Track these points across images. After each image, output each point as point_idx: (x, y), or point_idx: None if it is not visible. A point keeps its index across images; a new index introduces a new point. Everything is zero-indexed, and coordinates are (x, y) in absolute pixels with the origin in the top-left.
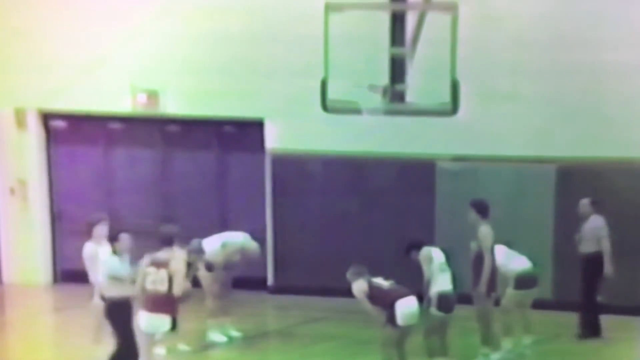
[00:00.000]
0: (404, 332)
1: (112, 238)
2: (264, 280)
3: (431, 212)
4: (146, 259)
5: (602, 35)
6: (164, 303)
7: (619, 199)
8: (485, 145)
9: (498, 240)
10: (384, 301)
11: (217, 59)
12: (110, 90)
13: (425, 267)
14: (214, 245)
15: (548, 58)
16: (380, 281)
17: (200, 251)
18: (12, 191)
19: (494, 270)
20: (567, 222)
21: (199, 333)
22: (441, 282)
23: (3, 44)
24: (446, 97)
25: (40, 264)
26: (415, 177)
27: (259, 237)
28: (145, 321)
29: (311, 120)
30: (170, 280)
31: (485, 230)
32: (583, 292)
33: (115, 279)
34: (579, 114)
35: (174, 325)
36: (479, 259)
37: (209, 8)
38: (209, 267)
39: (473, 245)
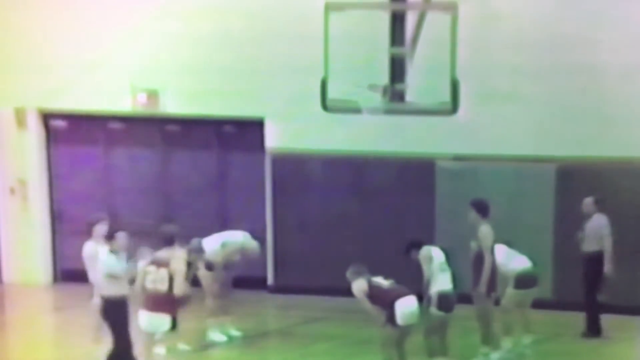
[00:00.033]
0: (404, 331)
1: (109, 237)
2: (264, 279)
3: (431, 212)
4: (142, 250)
5: (602, 36)
6: (164, 302)
7: (619, 199)
8: (485, 145)
9: (498, 239)
10: (384, 301)
11: (217, 59)
12: (110, 90)
13: (425, 267)
14: (213, 244)
15: (548, 58)
16: (380, 280)
17: (200, 250)
18: (12, 191)
19: (494, 269)
20: (567, 222)
21: (199, 332)
22: (441, 282)
23: (3, 44)
24: (446, 97)
25: (40, 264)
26: (415, 176)
27: (259, 237)
28: (145, 320)
29: (311, 119)
30: (171, 279)
31: (485, 230)
32: (585, 291)
33: (111, 276)
34: (579, 114)
35: (174, 325)
36: (479, 259)
37: (209, 8)
38: (209, 267)
39: (473, 245)
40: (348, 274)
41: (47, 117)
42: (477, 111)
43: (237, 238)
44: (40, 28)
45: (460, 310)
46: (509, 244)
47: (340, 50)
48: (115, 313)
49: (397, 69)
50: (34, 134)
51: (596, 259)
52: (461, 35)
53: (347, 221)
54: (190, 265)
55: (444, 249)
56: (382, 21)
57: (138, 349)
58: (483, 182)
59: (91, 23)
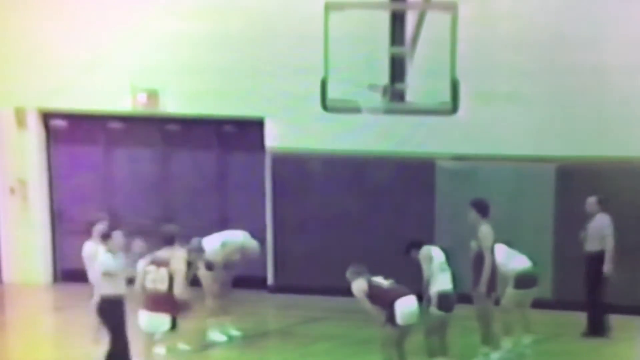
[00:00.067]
0: (404, 331)
1: (105, 236)
2: (264, 279)
3: (431, 212)
4: (136, 244)
5: (602, 35)
6: (164, 302)
7: (619, 199)
8: (485, 145)
9: (498, 239)
10: (384, 300)
11: (217, 59)
12: (110, 90)
13: (425, 267)
14: (213, 244)
15: (548, 58)
16: (379, 280)
17: (200, 250)
18: (12, 191)
19: (494, 269)
20: (567, 222)
21: (199, 332)
22: (441, 282)
23: (3, 44)
24: (446, 97)
25: (40, 264)
26: (415, 176)
27: (259, 237)
28: (145, 320)
29: (311, 119)
30: (171, 279)
31: (485, 230)
32: (586, 291)
33: (108, 275)
34: (579, 114)
35: (173, 325)
36: (479, 259)
37: (209, 8)
38: (209, 266)
39: (473, 245)
40: (348, 274)
41: (47, 117)
42: (477, 111)
43: (237, 238)
44: (40, 28)
45: (460, 310)
46: (509, 244)
47: (340, 50)
48: (111, 312)
49: (397, 69)
50: (34, 134)
51: (598, 258)
52: (461, 35)
53: (347, 221)
54: (190, 265)
55: (444, 249)
56: (382, 21)
57: (136, 348)
58: (483, 182)
59: (91, 23)
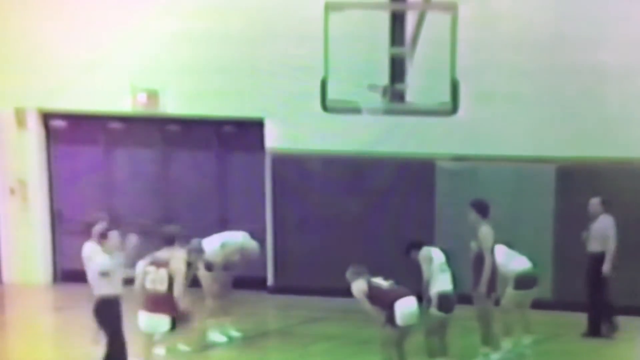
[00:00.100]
0: (404, 332)
1: (102, 236)
2: (264, 280)
3: (431, 212)
4: (130, 238)
5: (602, 36)
6: (164, 303)
7: (619, 199)
8: (485, 145)
9: (498, 240)
10: (384, 301)
11: (217, 59)
12: (110, 90)
13: (424, 267)
14: (213, 245)
15: (548, 58)
16: (379, 281)
17: (200, 251)
18: (12, 191)
19: (494, 270)
20: (567, 222)
21: (199, 333)
22: (441, 282)
23: (3, 44)
24: (446, 97)
25: (40, 264)
26: (415, 177)
27: (259, 237)
28: (145, 321)
29: (311, 120)
30: (170, 279)
31: (485, 230)
32: (588, 292)
33: (103, 274)
34: (579, 114)
35: (173, 325)
36: (479, 259)
37: (209, 8)
38: (209, 267)
39: (473, 245)
40: (348, 275)
41: (47, 117)
42: (477, 111)
43: (237, 238)
44: (40, 28)
45: (460, 310)
46: (509, 244)
47: (340, 50)
48: (108, 312)
49: (397, 69)
50: (34, 134)
51: (601, 259)
52: (461, 35)
53: (347, 221)
54: (190, 265)
55: (443, 250)
56: (382, 21)
57: (136, 349)
58: (483, 182)
59: (91, 23)
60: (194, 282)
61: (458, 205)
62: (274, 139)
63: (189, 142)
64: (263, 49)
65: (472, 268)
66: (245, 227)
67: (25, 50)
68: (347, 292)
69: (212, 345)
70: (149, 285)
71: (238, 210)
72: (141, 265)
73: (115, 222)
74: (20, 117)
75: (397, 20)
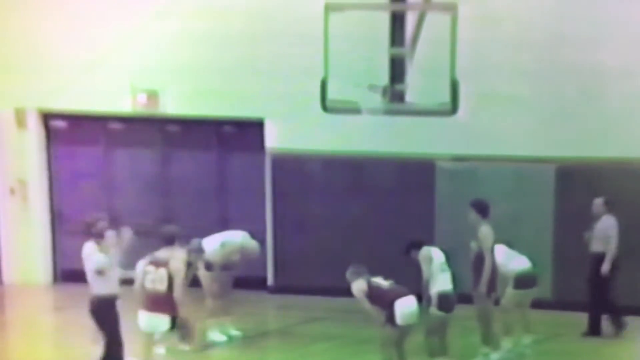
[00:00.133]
0: (404, 331)
1: (99, 235)
2: (264, 280)
3: (431, 212)
4: (124, 232)
5: (602, 36)
6: (163, 302)
7: (620, 199)
8: (485, 145)
9: (498, 240)
10: (383, 301)
11: (217, 59)
12: (110, 90)
13: (424, 267)
14: (213, 244)
15: (547, 58)
16: (379, 281)
17: (200, 251)
18: (12, 191)
19: (494, 270)
20: (567, 222)
21: (199, 332)
22: (441, 282)
23: (3, 44)
24: (446, 97)
25: (40, 264)
26: (415, 177)
27: (259, 237)
28: (145, 320)
29: (311, 120)
30: (170, 279)
31: (485, 230)
32: (589, 292)
33: (99, 273)
34: (579, 114)
35: (173, 325)
36: (479, 259)
37: (209, 8)
38: (209, 267)
39: (473, 245)
40: (348, 274)
41: (47, 117)
42: (477, 112)
43: (237, 238)
44: (40, 28)
45: (460, 310)
46: (509, 244)
47: (340, 50)
48: (105, 312)
49: (397, 69)
50: (34, 134)
51: (603, 260)
52: (461, 35)
53: (347, 221)
54: (189, 265)
55: (443, 250)
56: (382, 21)
57: (136, 349)
58: (483, 182)
59: (91, 23)
60: (194, 282)
61: (458, 205)
62: (274, 139)
63: (189, 142)
64: (263, 49)
65: (472, 268)
66: (245, 227)
67: (25, 50)
68: (347, 292)
69: (212, 345)
70: (148, 285)
71: (238, 210)
72: (141, 265)
73: (115, 222)
74: (20, 117)
75: (397, 21)
